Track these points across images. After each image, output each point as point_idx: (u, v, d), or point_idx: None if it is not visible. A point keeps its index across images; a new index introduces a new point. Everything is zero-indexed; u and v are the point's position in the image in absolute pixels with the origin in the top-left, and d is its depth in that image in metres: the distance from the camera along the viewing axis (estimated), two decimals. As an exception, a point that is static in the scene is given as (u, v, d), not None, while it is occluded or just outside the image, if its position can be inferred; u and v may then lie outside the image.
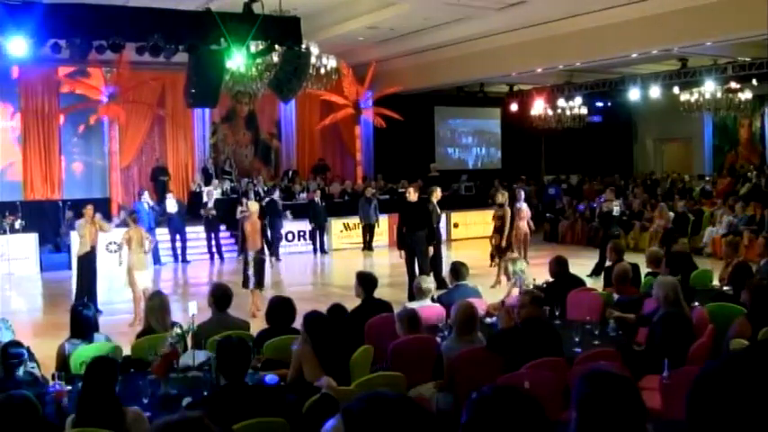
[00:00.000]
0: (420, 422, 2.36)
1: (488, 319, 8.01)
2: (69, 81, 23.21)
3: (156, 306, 7.58)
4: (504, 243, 15.91)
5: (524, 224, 17.65)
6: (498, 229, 16.15)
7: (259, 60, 16.67)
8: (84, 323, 7.22)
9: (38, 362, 6.74)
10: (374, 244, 22.63)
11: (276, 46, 14.01)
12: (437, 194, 15.83)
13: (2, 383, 5.75)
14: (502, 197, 16.66)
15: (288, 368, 6.29)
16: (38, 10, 11.89)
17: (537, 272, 11.61)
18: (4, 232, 19.98)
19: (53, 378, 6.38)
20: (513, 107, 28.73)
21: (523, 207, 17.77)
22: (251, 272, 13.71)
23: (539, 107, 28.05)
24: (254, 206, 14.67)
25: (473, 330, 6.72)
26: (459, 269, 9.38)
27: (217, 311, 7.66)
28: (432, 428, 2.42)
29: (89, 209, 14.35)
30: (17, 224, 20.26)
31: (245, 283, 13.64)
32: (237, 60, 14.14)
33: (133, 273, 13.46)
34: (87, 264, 13.99)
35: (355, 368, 6.35)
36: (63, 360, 6.87)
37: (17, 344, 6.39)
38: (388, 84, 25.11)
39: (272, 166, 27.79)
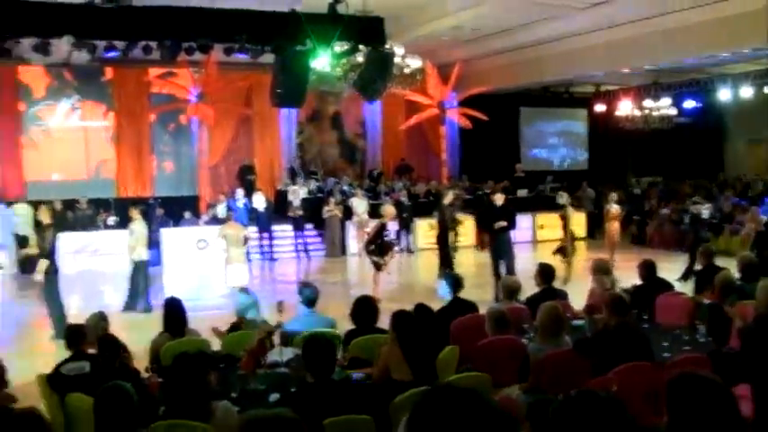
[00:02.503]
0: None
1: (575, 322, 7.91)
2: (159, 81, 23.74)
3: (245, 303, 7.69)
4: (567, 244, 15.97)
5: (616, 225, 17.42)
6: (564, 228, 16.22)
7: (344, 60, 16.80)
8: (175, 318, 7.38)
9: (131, 354, 6.90)
10: (459, 244, 22.57)
11: (360, 46, 14.08)
12: (449, 197, 16.60)
13: (99, 375, 5.90)
14: (562, 198, 16.69)
15: (374, 367, 6.32)
16: (129, 12, 12.18)
17: (625, 275, 11.44)
18: (99, 228, 20.56)
19: (146, 371, 6.54)
20: (599, 108, 28.35)
21: (613, 208, 17.53)
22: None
23: (625, 108, 27.63)
24: (390, 209, 15.13)
25: (559, 333, 6.65)
26: (546, 271, 9.28)
27: (305, 309, 7.74)
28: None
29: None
30: (110, 221, 20.80)
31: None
32: (322, 60, 14.27)
33: (229, 268, 13.82)
34: None
35: (442, 368, 6.35)
36: (155, 353, 7.02)
37: (112, 337, 6.55)
38: (473, 84, 25.00)
39: (358, 165, 27.94)
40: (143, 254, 14.47)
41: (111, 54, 14.41)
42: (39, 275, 12.36)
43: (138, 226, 14.49)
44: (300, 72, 13.46)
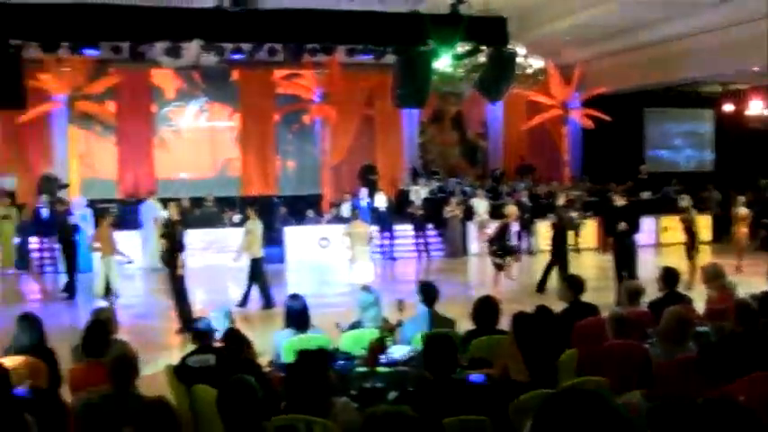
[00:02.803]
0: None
1: (700, 328, 7.71)
2: (284, 82, 24.21)
3: (367, 301, 7.78)
4: (693, 247, 15.53)
5: (744, 229, 16.93)
6: (687, 231, 15.83)
7: (466, 61, 16.79)
8: (295, 315, 7.52)
9: (254, 349, 7.08)
10: (580, 246, 22.34)
11: (482, 47, 14.05)
12: (562, 198, 16.93)
13: (224, 368, 6.08)
14: (684, 201, 16.26)
15: (493, 367, 6.31)
16: (255, 16, 12.47)
17: (753, 281, 11.10)
18: (224, 226, 21.11)
19: (269, 365, 6.70)
20: (728, 107, 27.51)
21: (741, 211, 17.02)
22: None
23: (755, 107, 26.73)
24: (513, 209, 15.14)
25: (684, 338, 6.50)
26: (670, 275, 9.07)
27: (424, 308, 7.78)
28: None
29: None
30: (235, 218, 21.35)
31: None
32: (444, 61, 14.28)
33: (354, 266, 14.06)
34: None
35: (562, 371, 6.30)
36: (278, 349, 7.18)
37: (237, 331, 6.73)
38: (595, 84, 24.62)
39: (479, 166, 27.86)
40: (258, 252, 14.80)
41: (238, 56, 14.81)
42: (180, 269, 12.79)
43: (254, 224, 14.84)
44: (422, 73, 13.54)
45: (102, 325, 6.75)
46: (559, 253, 15.66)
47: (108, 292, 14.39)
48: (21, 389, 5.52)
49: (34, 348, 6.73)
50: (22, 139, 23.30)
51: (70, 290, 16.39)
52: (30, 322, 6.94)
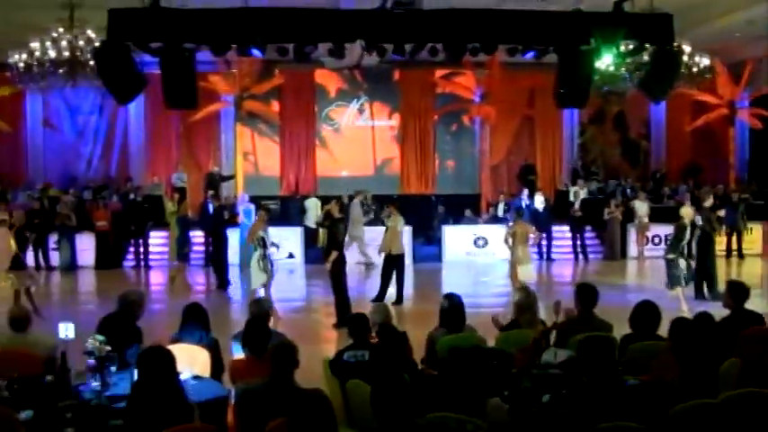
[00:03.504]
0: None
1: None
2: (444, 82, 24.35)
3: (526, 302, 7.74)
4: None
5: None
6: None
7: (629, 60, 16.42)
8: (450, 314, 7.53)
9: (410, 346, 7.15)
10: (745, 252, 21.48)
11: (646, 45, 13.72)
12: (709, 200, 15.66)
13: (378, 363, 6.18)
14: None
15: (649, 373, 6.18)
16: (417, 16, 12.58)
17: None
18: (382, 224, 21.37)
19: (422, 362, 6.76)
20: None
21: None
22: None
23: None
24: (689, 210, 14.75)
25: None
26: None
27: (582, 311, 7.67)
28: None
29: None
30: (393, 216, 21.61)
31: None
32: (607, 60, 14.00)
33: (516, 267, 13.99)
34: None
35: (723, 381, 6.10)
36: (431, 346, 7.22)
37: (393, 328, 6.81)
38: (765, 82, 23.57)
39: (640, 167, 27.19)
40: (398, 248, 15.05)
41: (399, 56, 14.97)
42: (328, 264, 13.09)
43: (395, 221, 15.02)
44: (584, 72, 13.32)
45: (262, 320, 6.98)
46: (705, 257, 15.07)
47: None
48: (186, 376, 5.79)
49: (199, 338, 7.04)
50: (193, 138, 24.37)
51: (222, 282, 17.03)
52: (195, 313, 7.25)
